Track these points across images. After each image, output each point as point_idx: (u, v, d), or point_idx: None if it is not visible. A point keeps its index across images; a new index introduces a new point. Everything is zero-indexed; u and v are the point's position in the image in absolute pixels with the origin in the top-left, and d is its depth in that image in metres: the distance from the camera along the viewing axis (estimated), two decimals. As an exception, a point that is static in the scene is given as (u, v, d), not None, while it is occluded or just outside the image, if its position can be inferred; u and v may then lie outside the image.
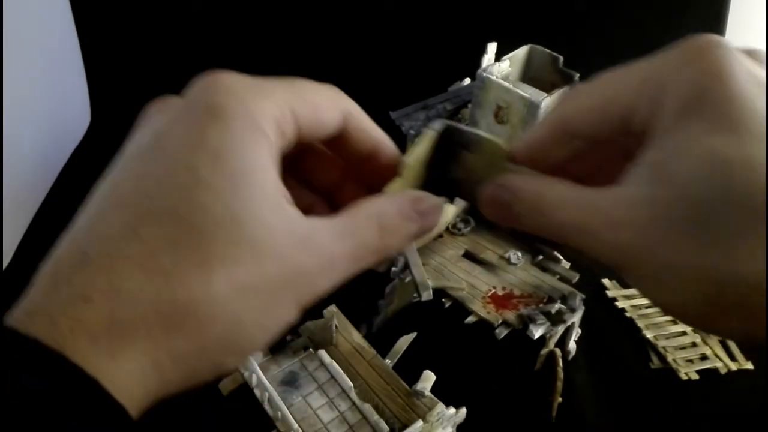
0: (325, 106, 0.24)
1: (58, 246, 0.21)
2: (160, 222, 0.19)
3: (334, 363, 0.53)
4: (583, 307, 0.61)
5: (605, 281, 0.77)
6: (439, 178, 0.28)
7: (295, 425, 0.49)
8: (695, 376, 0.66)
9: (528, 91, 0.71)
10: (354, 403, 0.51)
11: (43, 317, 0.19)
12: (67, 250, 0.20)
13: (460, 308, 0.61)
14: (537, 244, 0.67)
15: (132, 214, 0.20)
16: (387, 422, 0.49)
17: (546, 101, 0.69)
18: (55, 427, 0.17)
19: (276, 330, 0.21)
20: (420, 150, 0.27)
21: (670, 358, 0.67)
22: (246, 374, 0.53)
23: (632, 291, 0.76)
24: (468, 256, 0.68)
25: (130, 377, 0.19)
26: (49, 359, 0.18)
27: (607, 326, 0.72)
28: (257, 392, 0.52)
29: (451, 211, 0.68)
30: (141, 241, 0.19)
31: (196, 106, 0.21)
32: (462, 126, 0.27)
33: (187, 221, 0.19)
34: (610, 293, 0.75)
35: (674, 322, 0.72)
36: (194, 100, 0.21)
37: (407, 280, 0.62)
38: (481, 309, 0.60)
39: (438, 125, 0.27)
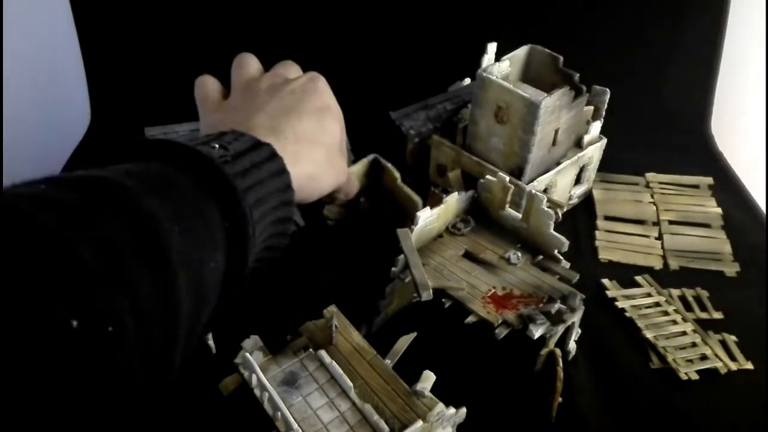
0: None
1: (239, 130, 0.38)
2: (309, 119, 0.43)
3: (334, 363, 0.53)
4: (583, 307, 0.61)
5: (605, 281, 0.77)
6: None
7: (295, 425, 0.49)
8: (695, 376, 0.66)
9: (528, 91, 0.71)
10: (354, 403, 0.51)
11: (268, 131, 0.41)
12: (255, 128, 0.40)
13: (460, 308, 0.61)
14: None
15: (294, 112, 0.43)
16: (387, 422, 0.49)
17: (546, 101, 0.69)
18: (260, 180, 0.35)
19: (332, 186, 0.46)
20: None
21: (670, 358, 0.67)
22: (246, 374, 0.53)
23: (632, 291, 0.76)
24: (468, 256, 0.68)
25: (295, 177, 0.38)
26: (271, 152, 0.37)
27: (607, 326, 0.72)
28: (257, 392, 0.52)
29: (451, 207, 0.69)
30: (302, 124, 0.43)
31: (311, 85, 0.46)
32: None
33: (321, 125, 0.44)
34: (610, 293, 0.75)
35: (674, 322, 0.72)
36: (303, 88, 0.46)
37: (407, 280, 0.62)
38: (481, 309, 0.60)
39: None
